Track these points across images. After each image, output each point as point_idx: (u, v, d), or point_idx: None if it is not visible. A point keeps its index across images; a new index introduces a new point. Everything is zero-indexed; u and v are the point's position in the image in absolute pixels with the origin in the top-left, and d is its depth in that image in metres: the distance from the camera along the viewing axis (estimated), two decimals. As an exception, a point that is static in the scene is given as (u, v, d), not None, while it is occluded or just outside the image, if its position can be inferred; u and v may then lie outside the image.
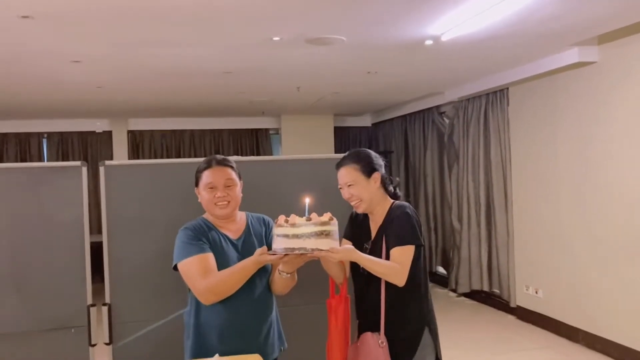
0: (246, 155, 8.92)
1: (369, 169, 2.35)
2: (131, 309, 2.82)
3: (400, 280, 2.19)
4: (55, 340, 2.74)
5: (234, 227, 2.33)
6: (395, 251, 2.23)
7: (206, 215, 2.33)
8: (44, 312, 2.74)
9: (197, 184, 2.32)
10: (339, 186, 2.38)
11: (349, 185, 2.33)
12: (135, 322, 2.81)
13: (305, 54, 4.51)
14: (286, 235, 2.00)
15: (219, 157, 2.34)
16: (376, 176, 2.36)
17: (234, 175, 2.30)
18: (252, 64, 4.85)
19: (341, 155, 3.18)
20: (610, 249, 4.59)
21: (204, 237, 2.22)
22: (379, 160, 2.41)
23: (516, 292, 5.83)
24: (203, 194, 2.28)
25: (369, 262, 2.18)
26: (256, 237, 2.34)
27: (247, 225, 2.36)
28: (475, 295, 6.57)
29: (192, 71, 5.10)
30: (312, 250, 2.00)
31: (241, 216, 2.37)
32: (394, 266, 2.20)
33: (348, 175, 2.34)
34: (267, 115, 8.87)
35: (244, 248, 2.28)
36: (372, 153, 2.42)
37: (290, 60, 4.76)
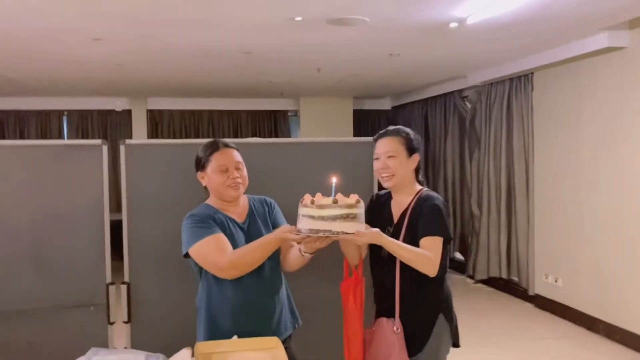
0: (264, 136, 8.90)
1: (412, 148, 2.31)
2: (150, 287, 2.82)
3: (432, 270, 2.15)
4: (74, 317, 2.75)
5: (238, 210, 2.31)
6: (426, 241, 2.19)
7: (209, 201, 2.32)
8: (64, 289, 2.75)
9: (202, 168, 2.29)
10: (376, 156, 2.33)
11: (389, 157, 2.28)
12: (153, 301, 2.82)
13: (326, 35, 4.45)
14: (311, 217, 1.95)
15: (222, 140, 2.33)
16: (416, 158, 2.33)
17: (240, 157, 2.30)
18: (273, 44, 4.80)
19: (361, 138, 3.16)
20: (632, 240, 4.50)
21: (212, 220, 2.21)
22: (421, 145, 2.37)
23: (535, 280, 5.77)
24: (213, 177, 2.25)
25: (396, 246, 2.13)
26: (260, 219, 2.33)
27: (250, 207, 2.35)
28: (493, 282, 6.52)
29: (212, 51, 5.07)
30: (338, 233, 1.96)
31: (243, 199, 2.36)
32: (427, 254, 2.15)
33: (391, 145, 2.29)
34: (286, 97, 8.82)
35: (250, 230, 2.28)
36: (416, 135, 2.38)
37: (311, 41, 4.70)
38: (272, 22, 4.06)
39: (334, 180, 2.04)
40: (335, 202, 1.95)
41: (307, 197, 2.01)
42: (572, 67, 5.14)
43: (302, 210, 1.99)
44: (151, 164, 2.85)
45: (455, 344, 2.36)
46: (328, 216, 1.94)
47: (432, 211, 2.23)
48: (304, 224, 1.98)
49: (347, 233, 1.97)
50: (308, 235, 1.99)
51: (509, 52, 5.28)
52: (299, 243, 2.16)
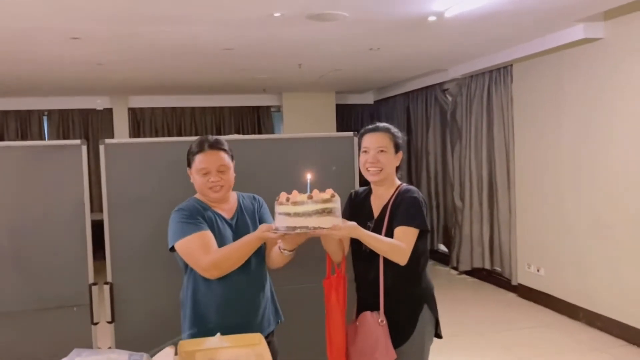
0: (247, 132, 8.89)
1: (398, 146, 2.40)
2: (133, 287, 2.82)
3: (403, 259, 2.20)
4: (58, 318, 2.74)
5: (227, 206, 2.33)
6: (399, 230, 2.23)
7: (198, 196, 2.33)
8: (46, 291, 2.74)
9: (189, 165, 2.31)
10: (364, 150, 2.38)
11: (381, 151, 2.34)
12: (136, 300, 2.82)
13: (306, 30, 4.45)
14: (288, 214, 1.96)
15: (211, 138, 2.30)
16: (400, 155, 2.41)
17: (226, 159, 2.28)
18: (253, 40, 4.79)
19: (343, 133, 3.18)
20: (611, 228, 4.58)
21: (200, 216, 2.22)
22: (404, 144, 2.46)
23: (517, 270, 5.84)
24: (196, 178, 2.27)
25: (371, 239, 2.17)
26: (248, 215, 2.35)
27: (239, 204, 2.37)
28: (477, 273, 6.59)
29: (192, 48, 5.04)
30: (314, 228, 1.97)
31: (232, 195, 2.38)
32: (399, 244, 2.19)
33: (383, 140, 2.37)
34: (269, 93, 8.81)
35: (238, 227, 2.30)
36: (401, 134, 2.47)
37: (292, 37, 4.70)
38: (251, 18, 4.05)
39: (308, 176, 2.05)
40: (310, 197, 1.96)
41: (283, 195, 2.02)
42: (550, 59, 5.20)
43: (278, 208, 2.01)
44: (131, 163, 2.84)
45: (438, 335, 2.41)
46: (304, 212, 1.95)
47: (409, 203, 2.29)
48: (280, 222, 2.00)
49: (324, 228, 1.98)
50: (286, 233, 2.01)
51: (488, 44, 5.33)
52: (281, 240, 2.17)
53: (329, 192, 2.02)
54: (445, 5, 3.85)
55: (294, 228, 1.97)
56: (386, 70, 6.86)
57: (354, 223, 2.13)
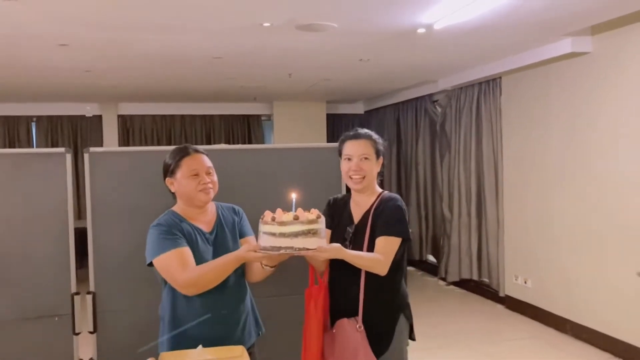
0: (237, 141, 8.88)
1: (379, 152, 2.40)
2: (116, 297, 2.79)
3: (383, 270, 2.22)
4: (39, 329, 2.71)
5: (206, 218, 2.30)
6: (381, 240, 2.25)
7: (175, 208, 2.30)
8: (27, 300, 2.71)
9: (171, 174, 2.27)
10: (347, 157, 2.37)
11: (364, 158, 2.34)
12: (119, 310, 2.79)
13: (296, 41, 4.46)
14: (273, 234, 1.95)
15: (192, 145, 2.33)
16: (381, 161, 2.41)
17: (210, 162, 2.31)
18: (242, 49, 4.79)
19: (332, 144, 3.17)
20: (599, 241, 4.59)
21: (178, 230, 2.19)
22: (386, 149, 2.47)
23: (505, 282, 5.85)
24: (185, 182, 2.23)
25: (354, 257, 2.19)
26: (228, 229, 2.32)
27: (218, 216, 2.34)
28: (465, 284, 6.59)
29: (182, 56, 5.04)
30: (300, 249, 1.96)
31: (211, 207, 2.35)
32: (378, 258, 2.21)
33: (366, 147, 2.36)
34: (259, 101, 8.81)
35: (217, 241, 2.27)
36: (382, 139, 2.47)
37: (281, 47, 4.71)
38: (240, 27, 4.05)
39: (293, 195, 2.05)
40: (296, 218, 1.95)
41: (268, 214, 2.00)
42: (538, 72, 5.24)
43: (262, 228, 1.99)
44: (117, 171, 2.83)
45: (412, 338, 2.43)
46: (289, 233, 1.94)
47: (393, 212, 2.30)
48: (265, 241, 1.98)
49: (309, 249, 1.97)
50: (270, 253, 2.00)
51: (477, 57, 5.36)
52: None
53: (315, 212, 2.02)
54: (435, 18, 3.87)
55: (279, 248, 1.96)
56: (376, 81, 6.88)
57: (338, 245, 2.14)
